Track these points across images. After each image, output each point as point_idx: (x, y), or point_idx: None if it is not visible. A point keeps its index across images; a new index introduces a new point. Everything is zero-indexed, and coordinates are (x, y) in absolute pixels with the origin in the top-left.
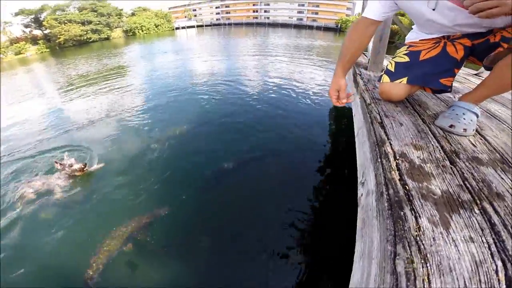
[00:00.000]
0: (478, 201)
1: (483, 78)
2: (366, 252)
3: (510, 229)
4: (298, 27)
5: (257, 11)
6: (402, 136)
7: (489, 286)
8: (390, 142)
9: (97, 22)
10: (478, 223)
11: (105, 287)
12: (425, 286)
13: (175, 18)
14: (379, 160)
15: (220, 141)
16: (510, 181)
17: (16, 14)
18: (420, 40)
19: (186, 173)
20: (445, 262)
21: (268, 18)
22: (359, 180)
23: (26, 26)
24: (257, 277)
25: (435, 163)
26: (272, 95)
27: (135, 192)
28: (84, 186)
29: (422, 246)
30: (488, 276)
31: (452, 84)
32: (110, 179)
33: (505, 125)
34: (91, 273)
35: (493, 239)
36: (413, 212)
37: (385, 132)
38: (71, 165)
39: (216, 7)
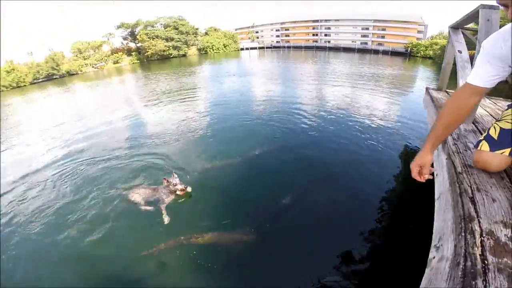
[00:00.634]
0: None
1: None
2: None
3: None
4: (362, 51)
5: (317, 35)
6: (493, 213)
7: None
8: (479, 220)
9: (178, 39)
10: None
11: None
12: None
13: (240, 39)
14: (463, 234)
15: (288, 168)
16: None
17: (118, 27)
18: None
19: (261, 197)
20: None
21: (328, 42)
22: (433, 243)
23: (124, 38)
24: None
25: None
26: (338, 127)
27: (221, 212)
28: (181, 202)
29: None
30: None
31: None
32: (198, 199)
33: None
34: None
35: None
36: (484, 282)
37: (475, 209)
38: (175, 184)
39: (276, 30)
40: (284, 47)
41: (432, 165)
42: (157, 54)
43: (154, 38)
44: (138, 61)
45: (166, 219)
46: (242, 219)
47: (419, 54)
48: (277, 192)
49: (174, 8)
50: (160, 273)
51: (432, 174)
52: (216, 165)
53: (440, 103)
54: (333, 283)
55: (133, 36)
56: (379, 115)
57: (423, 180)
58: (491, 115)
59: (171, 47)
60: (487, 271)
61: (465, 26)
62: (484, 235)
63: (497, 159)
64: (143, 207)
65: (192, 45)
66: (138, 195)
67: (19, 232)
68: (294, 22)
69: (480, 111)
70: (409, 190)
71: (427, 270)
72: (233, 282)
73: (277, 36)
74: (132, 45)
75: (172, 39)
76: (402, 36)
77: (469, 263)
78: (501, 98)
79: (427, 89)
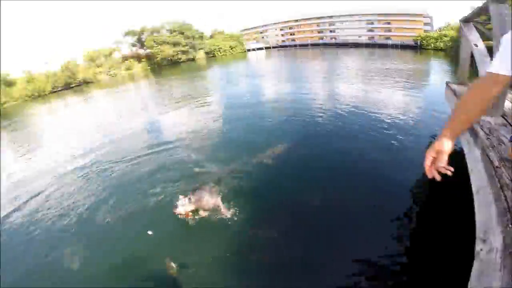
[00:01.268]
0: None
1: None
2: None
3: None
4: (371, 46)
5: (322, 32)
6: None
7: None
8: None
9: (185, 44)
10: None
11: None
12: None
13: (246, 40)
14: (510, 226)
15: (315, 167)
16: None
17: (126, 34)
18: None
19: (289, 196)
20: None
21: (335, 38)
22: (478, 236)
23: (133, 45)
24: None
25: None
26: (361, 125)
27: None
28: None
29: None
30: None
31: None
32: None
33: None
34: None
35: None
36: None
37: None
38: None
39: (281, 29)
40: (290, 46)
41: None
42: (166, 59)
43: (161, 44)
44: (149, 67)
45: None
46: (274, 219)
47: (429, 47)
48: (306, 192)
49: (176, 9)
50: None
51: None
52: (241, 167)
53: None
54: (369, 282)
55: (141, 42)
56: (400, 111)
57: (435, 175)
58: None
59: (179, 52)
60: None
61: (475, 19)
62: None
63: None
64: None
65: (199, 49)
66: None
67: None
68: (297, 20)
69: (508, 104)
70: (437, 186)
71: (475, 263)
72: (267, 281)
73: (282, 35)
74: (141, 51)
75: (179, 44)
76: (409, 29)
77: None
78: None
79: (447, 83)
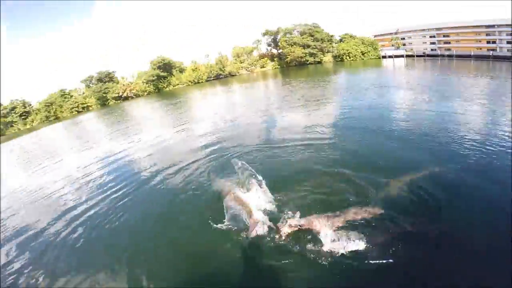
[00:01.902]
0: None
1: None
2: None
3: None
4: None
5: (494, 42)
6: None
7: None
8: None
9: (314, 47)
10: None
11: None
12: None
13: (381, 46)
14: None
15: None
16: None
17: (264, 34)
18: None
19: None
20: None
21: None
22: None
23: (268, 45)
24: None
25: None
26: None
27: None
28: None
29: None
30: None
31: None
32: None
33: None
34: None
35: None
36: None
37: None
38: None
39: (431, 36)
40: (443, 55)
41: None
42: (295, 60)
43: (292, 45)
44: (279, 67)
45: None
46: None
47: None
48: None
49: (309, 13)
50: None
51: None
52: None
53: None
54: None
55: (275, 42)
56: None
57: None
58: None
59: (307, 54)
60: None
61: None
62: None
63: None
64: None
65: (327, 52)
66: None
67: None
68: (457, 28)
69: None
70: None
71: None
72: None
73: (432, 43)
74: (275, 51)
75: (308, 46)
76: None
77: None
78: None
79: None
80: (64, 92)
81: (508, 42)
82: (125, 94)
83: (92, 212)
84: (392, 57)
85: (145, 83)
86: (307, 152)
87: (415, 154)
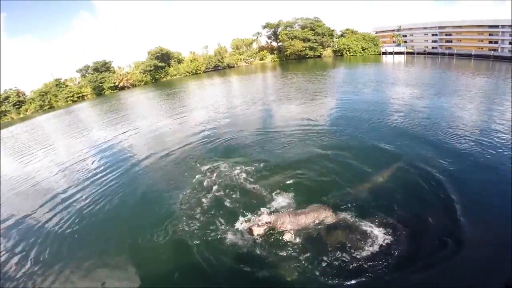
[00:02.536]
0: None
1: None
2: None
3: None
4: None
5: (496, 42)
6: None
7: None
8: None
9: (314, 41)
10: None
11: None
12: None
13: (382, 43)
14: None
15: None
16: None
17: (264, 27)
18: None
19: None
20: None
21: None
22: None
23: (268, 37)
24: None
25: None
26: None
27: None
28: None
29: None
30: None
31: None
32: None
33: None
34: None
35: None
36: None
37: None
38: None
39: (433, 34)
40: (443, 54)
41: None
42: (294, 53)
43: (292, 39)
44: (278, 59)
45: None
46: None
47: None
48: None
49: (310, 7)
50: None
51: None
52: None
53: None
54: None
55: (275, 35)
56: None
57: None
58: None
59: (307, 48)
60: None
61: None
62: None
63: None
64: None
65: (327, 47)
66: None
67: None
68: (460, 27)
69: None
70: None
71: None
72: None
73: (434, 41)
74: (274, 44)
75: (308, 40)
76: None
77: None
78: None
79: None
80: (59, 82)
81: (510, 43)
82: (121, 84)
83: (81, 197)
84: (393, 54)
85: (142, 73)
86: (296, 140)
87: (398, 146)
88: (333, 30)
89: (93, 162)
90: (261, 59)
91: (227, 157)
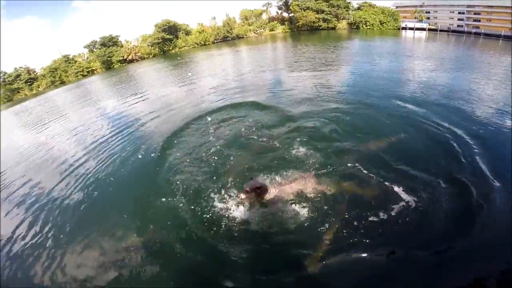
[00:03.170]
0: None
1: None
2: None
3: None
4: None
5: None
6: None
7: None
8: None
9: (328, 12)
10: None
11: None
12: None
13: (402, 17)
14: None
15: None
16: None
17: None
18: None
19: None
20: None
21: None
22: None
23: (279, 8)
24: None
25: None
26: None
27: None
28: None
29: None
30: None
31: None
32: None
33: None
34: None
35: None
36: None
37: None
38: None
39: (460, 12)
40: (469, 32)
41: None
42: (307, 25)
43: (305, 10)
44: (289, 30)
45: None
46: None
47: None
48: None
49: None
50: None
51: None
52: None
53: None
54: None
55: (286, 6)
56: None
57: None
58: None
59: (321, 19)
60: None
61: None
62: None
63: None
64: None
65: (342, 19)
66: None
67: None
68: (491, 6)
69: None
70: None
71: None
72: None
73: (460, 19)
74: (285, 15)
75: (322, 11)
76: None
77: None
78: None
79: None
80: (67, 58)
81: None
82: (130, 57)
83: (87, 160)
84: (413, 29)
85: (150, 46)
86: (307, 101)
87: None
88: (349, 3)
89: (104, 128)
90: (271, 30)
91: (237, 116)
